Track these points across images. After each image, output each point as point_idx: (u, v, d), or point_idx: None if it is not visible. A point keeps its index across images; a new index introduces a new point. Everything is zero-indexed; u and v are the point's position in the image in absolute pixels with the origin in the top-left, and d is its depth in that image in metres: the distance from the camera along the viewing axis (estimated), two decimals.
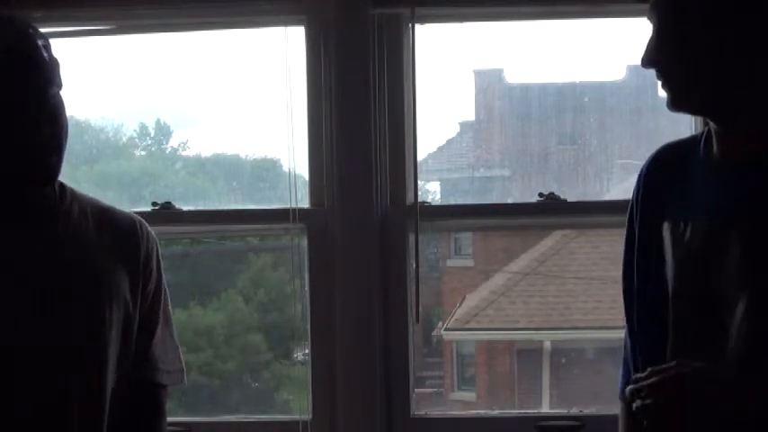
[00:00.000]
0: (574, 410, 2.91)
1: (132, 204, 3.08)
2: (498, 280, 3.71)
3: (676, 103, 1.75)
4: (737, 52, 1.68)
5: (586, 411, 2.88)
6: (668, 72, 1.72)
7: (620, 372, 1.95)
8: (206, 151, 3.27)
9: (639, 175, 1.90)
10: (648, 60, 1.74)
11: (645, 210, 1.86)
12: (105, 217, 1.97)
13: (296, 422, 2.86)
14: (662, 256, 1.80)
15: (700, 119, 2.77)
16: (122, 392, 1.94)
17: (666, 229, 1.79)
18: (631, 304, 1.88)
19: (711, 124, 1.77)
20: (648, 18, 1.75)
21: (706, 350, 1.70)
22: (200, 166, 3.24)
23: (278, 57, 2.91)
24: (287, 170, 2.93)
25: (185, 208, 2.95)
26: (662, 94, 3.21)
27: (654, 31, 1.73)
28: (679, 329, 1.76)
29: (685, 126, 2.86)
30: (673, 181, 1.82)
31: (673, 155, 1.87)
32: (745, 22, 1.67)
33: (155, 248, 2.02)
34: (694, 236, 1.74)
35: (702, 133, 1.82)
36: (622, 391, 1.92)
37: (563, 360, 3.74)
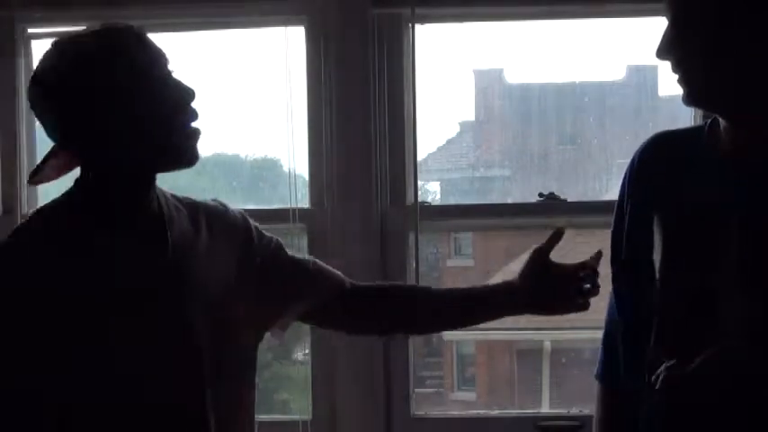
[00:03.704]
0: (574, 410, 2.91)
1: None
2: (498, 280, 3.70)
3: (693, 99, 1.74)
4: (752, 50, 1.67)
5: (586, 411, 2.87)
6: (684, 67, 1.71)
7: (601, 351, 1.96)
8: (206, 151, 3.26)
9: (632, 160, 1.88)
10: (662, 52, 1.72)
11: (636, 195, 1.85)
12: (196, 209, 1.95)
13: (296, 422, 2.86)
14: (651, 242, 1.80)
15: (701, 118, 2.78)
16: None
17: (657, 217, 1.79)
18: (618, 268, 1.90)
19: (721, 119, 1.77)
20: (665, 12, 1.73)
21: (695, 340, 1.70)
22: (201, 166, 3.24)
23: (278, 57, 2.91)
24: (287, 170, 2.93)
25: None
26: (662, 93, 3.25)
27: (668, 24, 1.72)
28: (666, 319, 1.76)
29: (686, 125, 2.85)
30: (668, 170, 1.81)
31: (669, 144, 1.86)
32: (758, 21, 1.66)
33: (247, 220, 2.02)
34: (690, 228, 1.74)
35: (705, 125, 1.82)
36: (602, 374, 1.93)
37: (563, 360, 3.74)
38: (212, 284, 1.86)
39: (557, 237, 2.08)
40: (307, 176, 2.93)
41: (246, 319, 1.93)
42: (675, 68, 1.73)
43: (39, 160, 3.01)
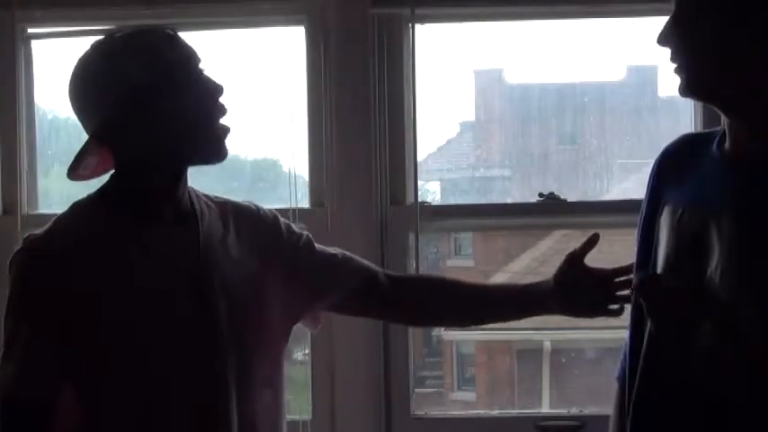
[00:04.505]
0: (574, 410, 2.91)
1: None
2: (498, 280, 3.70)
3: (689, 89, 1.74)
4: (752, 49, 1.67)
5: (586, 411, 2.88)
6: (684, 56, 1.71)
7: (622, 353, 1.97)
8: None
9: (654, 162, 1.91)
10: (664, 38, 1.72)
11: (651, 195, 1.88)
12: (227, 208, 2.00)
13: (296, 422, 2.86)
14: (658, 241, 1.81)
15: (701, 119, 2.78)
16: None
17: (665, 214, 1.80)
18: None
19: (725, 119, 1.77)
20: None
21: (686, 334, 1.71)
22: (201, 166, 3.23)
23: (278, 57, 2.91)
24: (287, 170, 2.93)
25: None
26: (662, 93, 3.24)
27: (674, 10, 1.72)
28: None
29: (686, 126, 2.86)
30: (680, 169, 1.83)
31: (686, 145, 1.88)
32: (759, 21, 1.66)
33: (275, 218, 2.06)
34: (689, 224, 1.75)
35: (722, 127, 1.82)
36: (620, 374, 1.94)
37: (563, 360, 3.74)
38: (240, 281, 1.91)
39: (591, 242, 2.08)
40: (307, 176, 2.93)
41: (275, 315, 1.96)
42: (674, 57, 1.72)
43: (39, 160, 3.03)
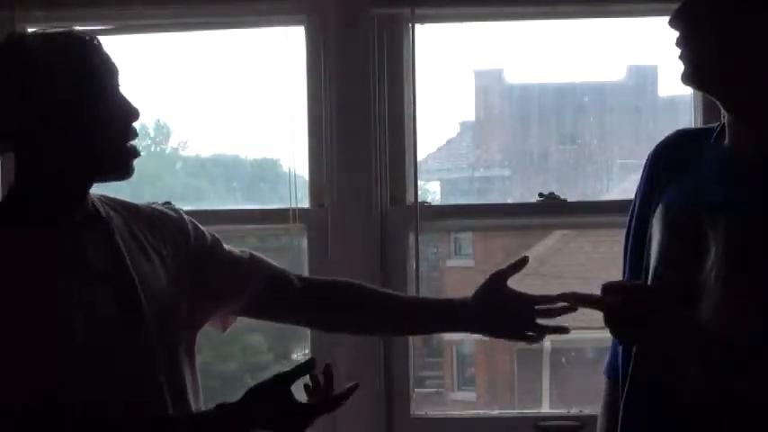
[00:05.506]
0: (574, 410, 2.91)
1: None
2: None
3: (689, 77, 1.73)
4: (754, 49, 1.67)
5: (586, 411, 2.88)
6: (686, 42, 1.71)
7: (609, 351, 1.97)
8: (206, 151, 3.26)
9: (648, 156, 1.91)
10: (673, 22, 1.72)
11: (645, 189, 1.88)
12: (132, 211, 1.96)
13: None
14: (650, 237, 1.81)
15: (701, 118, 2.78)
16: None
17: (659, 212, 1.80)
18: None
19: (726, 115, 1.77)
20: None
21: None
22: (200, 166, 3.24)
23: (278, 57, 2.91)
24: (287, 170, 2.93)
25: (185, 208, 2.94)
26: (662, 93, 3.24)
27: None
28: None
29: (686, 125, 2.85)
30: (674, 166, 1.83)
31: (683, 140, 1.88)
32: (761, 21, 1.67)
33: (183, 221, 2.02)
34: (685, 221, 1.75)
35: (720, 124, 1.83)
36: (608, 368, 1.94)
37: (563, 360, 3.73)
38: (152, 279, 1.87)
39: (519, 264, 2.05)
40: (307, 176, 2.93)
41: (183, 314, 1.93)
42: (680, 42, 1.72)
43: None
